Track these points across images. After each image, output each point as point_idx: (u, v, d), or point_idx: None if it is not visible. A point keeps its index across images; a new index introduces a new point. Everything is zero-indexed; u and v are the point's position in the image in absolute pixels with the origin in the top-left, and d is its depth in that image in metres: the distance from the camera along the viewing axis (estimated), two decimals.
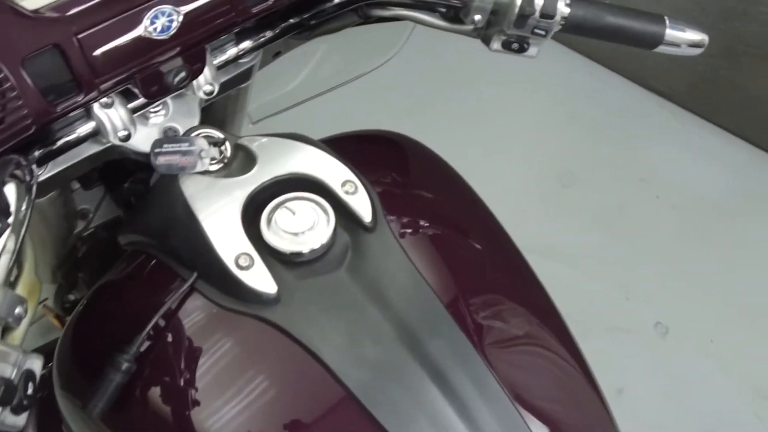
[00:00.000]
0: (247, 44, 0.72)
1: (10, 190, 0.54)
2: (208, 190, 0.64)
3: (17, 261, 0.60)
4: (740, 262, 1.85)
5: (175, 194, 0.64)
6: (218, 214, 0.62)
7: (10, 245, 0.53)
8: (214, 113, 0.85)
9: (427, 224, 0.72)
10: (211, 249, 0.60)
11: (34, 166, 0.57)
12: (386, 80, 1.92)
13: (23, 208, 0.53)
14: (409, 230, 0.68)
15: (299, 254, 0.61)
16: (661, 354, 1.66)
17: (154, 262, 0.66)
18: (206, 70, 0.68)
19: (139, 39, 0.58)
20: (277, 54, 0.87)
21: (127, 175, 0.85)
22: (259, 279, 0.60)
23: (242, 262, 0.59)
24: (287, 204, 0.63)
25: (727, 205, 2.00)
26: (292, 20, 0.72)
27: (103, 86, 0.59)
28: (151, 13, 0.58)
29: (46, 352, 0.59)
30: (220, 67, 0.72)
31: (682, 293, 1.76)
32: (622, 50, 1.57)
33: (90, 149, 0.68)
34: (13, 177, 0.54)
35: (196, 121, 0.73)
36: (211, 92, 0.70)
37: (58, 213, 0.86)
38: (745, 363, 1.63)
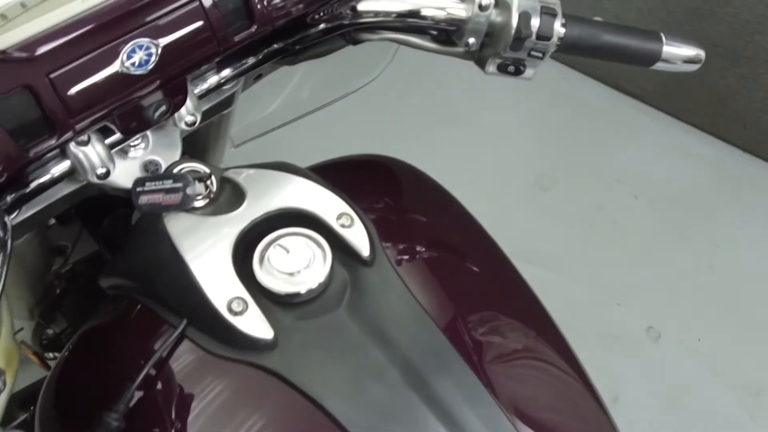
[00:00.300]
0: (228, 72, 0.69)
1: None
2: (195, 229, 0.60)
3: None
4: (721, 259, 1.86)
5: (160, 235, 0.60)
6: (207, 256, 0.58)
7: None
8: (196, 141, 0.81)
9: (427, 253, 0.69)
10: (202, 294, 0.56)
11: (6, 219, 0.53)
12: (361, 92, 1.90)
13: None
14: (409, 261, 0.65)
15: (296, 295, 0.58)
16: (655, 359, 1.65)
17: (139, 307, 0.62)
18: (188, 101, 0.64)
19: (116, 75, 0.55)
20: (259, 77, 0.83)
21: (105, 210, 0.81)
22: (254, 324, 0.56)
23: (235, 307, 0.56)
24: (280, 241, 0.59)
25: (703, 202, 2.01)
26: (275, 45, 0.69)
27: (79, 126, 0.55)
28: (127, 48, 0.55)
29: (27, 395, 0.55)
30: (202, 96, 0.69)
31: (670, 295, 1.77)
32: None
33: (66, 188, 0.64)
34: None
35: (178, 153, 0.69)
36: (194, 122, 0.67)
37: (35, 252, 0.82)
38: (734, 362, 1.63)
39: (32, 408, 0.86)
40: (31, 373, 0.88)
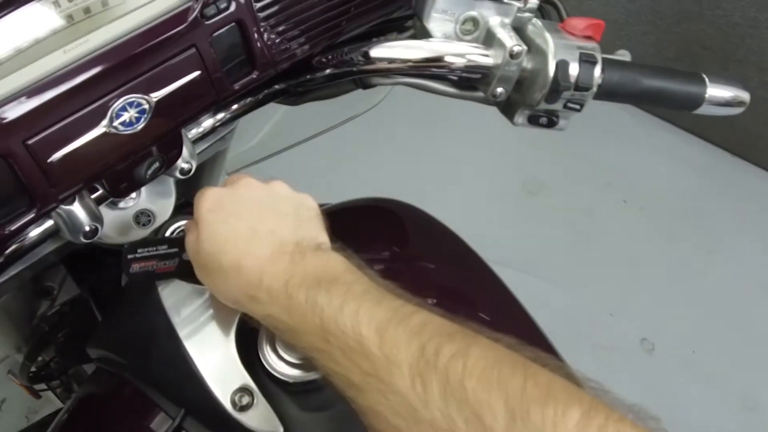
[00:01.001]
0: (225, 115, 0.62)
1: None
2: (193, 303, 0.54)
3: None
4: (712, 265, 1.84)
5: (154, 308, 0.54)
6: (208, 338, 0.52)
7: None
8: (189, 180, 0.75)
9: (439, 305, 0.64)
10: (202, 384, 0.50)
11: None
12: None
13: None
14: None
15: (310, 383, 0.52)
16: (649, 372, 1.62)
17: (130, 389, 0.55)
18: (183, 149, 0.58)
19: (103, 137, 0.48)
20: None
21: (92, 257, 0.73)
22: (262, 419, 0.50)
23: (241, 400, 0.50)
24: None
25: (694, 207, 1.99)
26: (277, 86, 0.62)
27: (62, 195, 0.48)
28: (116, 106, 0.48)
29: None
30: (197, 140, 0.62)
31: (663, 304, 1.74)
32: None
33: (50, 246, 0.58)
34: None
35: (172, 201, 0.64)
36: (189, 170, 0.60)
37: (19, 303, 0.75)
38: (729, 375, 1.61)
39: None
40: None
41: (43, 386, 0.97)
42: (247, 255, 0.45)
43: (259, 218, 0.48)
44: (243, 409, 0.50)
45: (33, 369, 0.91)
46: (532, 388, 0.34)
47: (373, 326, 0.39)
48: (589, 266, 1.82)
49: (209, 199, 0.49)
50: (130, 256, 0.54)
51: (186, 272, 0.53)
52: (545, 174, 2.05)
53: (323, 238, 0.49)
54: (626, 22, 2.18)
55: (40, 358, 0.94)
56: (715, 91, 0.58)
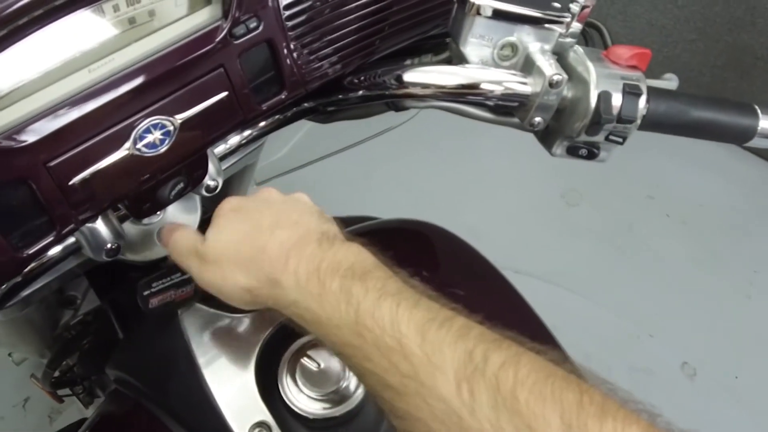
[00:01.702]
0: (252, 132, 0.61)
1: None
2: (213, 329, 0.52)
3: None
4: (758, 286, 1.77)
5: (174, 332, 0.53)
6: (228, 368, 0.50)
7: None
8: (216, 195, 0.74)
9: None
10: (219, 416, 0.49)
11: None
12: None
13: None
14: None
15: (331, 419, 0.50)
16: (690, 398, 1.56)
17: (146, 415, 0.54)
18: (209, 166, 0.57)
19: (127, 159, 0.47)
20: None
21: (114, 271, 0.73)
22: None
23: None
24: (310, 351, 0.51)
25: (738, 222, 1.92)
26: (306, 105, 0.61)
27: (82, 217, 0.48)
28: (140, 128, 0.46)
29: None
30: (223, 158, 0.61)
31: (706, 327, 1.67)
32: None
33: (73, 262, 0.57)
34: None
35: (197, 217, 0.63)
36: (215, 188, 0.59)
37: (43, 312, 0.75)
38: None
39: None
40: None
41: (66, 391, 0.97)
42: (271, 241, 0.43)
43: (283, 213, 0.46)
44: None
45: (56, 375, 0.91)
46: (588, 404, 0.33)
47: (414, 325, 0.37)
48: (628, 283, 1.76)
49: (232, 202, 0.48)
50: (146, 293, 0.53)
51: (205, 294, 0.52)
52: (584, 184, 2.00)
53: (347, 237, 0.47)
54: (674, 29, 2.11)
55: (63, 363, 0.94)
56: None
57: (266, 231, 0.44)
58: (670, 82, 0.57)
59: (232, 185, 0.79)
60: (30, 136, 0.42)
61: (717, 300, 1.73)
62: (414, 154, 2.00)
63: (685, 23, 2.10)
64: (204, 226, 0.63)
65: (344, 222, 0.71)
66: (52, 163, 0.44)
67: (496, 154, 2.01)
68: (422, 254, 0.69)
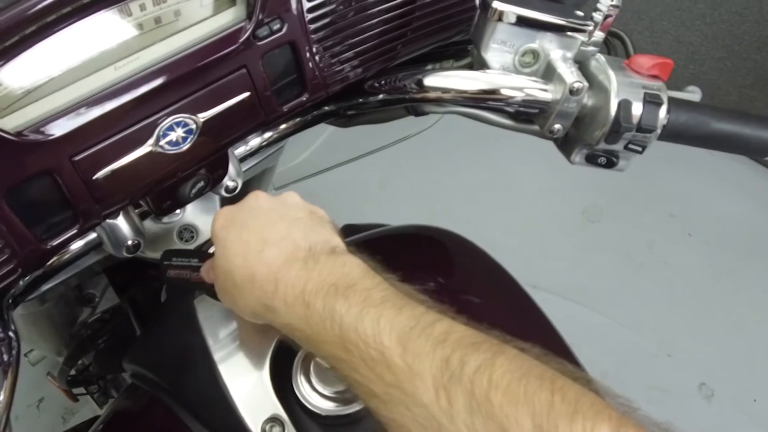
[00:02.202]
0: (273, 134, 0.62)
1: None
2: (229, 325, 0.53)
3: None
4: None
5: (190, 326, 0.53)
6: (243, 364, 0.51)
7: None
8: (236, 197, 0.75)
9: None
10: (233, 410, 0.49)
11: (12, 335, 0.46)
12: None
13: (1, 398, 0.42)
14: None
15: (344, 417, 0.50)
16: (707, 419, 1.53)
17: (162, 408, 0.55)
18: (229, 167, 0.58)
19: (149, 156, 0.48)
20: None
21: (133, 268, 0.74)
22: None
23: (271, 429, 0.49)
24: None
25: (762, 244, 1.89)
26: (326, 108, 0.61)
27: (105, 212, 0.48)
28: (163, 125, 0.47)
29: None
30: (243, 159, 0.62)
31: (725, 348, 1.64)
32: None
33: (93, 258, 0.58)
34: None
35: None
36: (235, 188, 0.60)
37: (61, 309, 0.76)
38: None
39: None
40: None
41: (81, 390, 0.98)
42: (259, 265, 0.45)
43: (270, 226, 0.47)
44: None
45: (72, 373, 0.92)
46: (560, 403, 0.33)
47: (395, 335, 0.38)
48: (647, 301, 1.74)
49: (221, 217, 0.49)
50: (166, 262, 0.54)
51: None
52: (606, 200, 1.98)
53: (337, 241, 0.47)
54: (701, 45, 2.10)
55: (79, 362, 0.95)
56: None
57: (253, 253, 0.45)
58: (693, 94, 0.57)
59: (251, 188, 0.79)
60: (57, 130, 0.43)
61: (736, 321, 1.70)
62: (432, 163, 2.00)
63: (713, 40, 2.08)
64: None
65: (359, 229, 0.72)
66: (78, 158, 0.45)
67: (517, 166, 2.00)
68: (438, 260, 0.69)
